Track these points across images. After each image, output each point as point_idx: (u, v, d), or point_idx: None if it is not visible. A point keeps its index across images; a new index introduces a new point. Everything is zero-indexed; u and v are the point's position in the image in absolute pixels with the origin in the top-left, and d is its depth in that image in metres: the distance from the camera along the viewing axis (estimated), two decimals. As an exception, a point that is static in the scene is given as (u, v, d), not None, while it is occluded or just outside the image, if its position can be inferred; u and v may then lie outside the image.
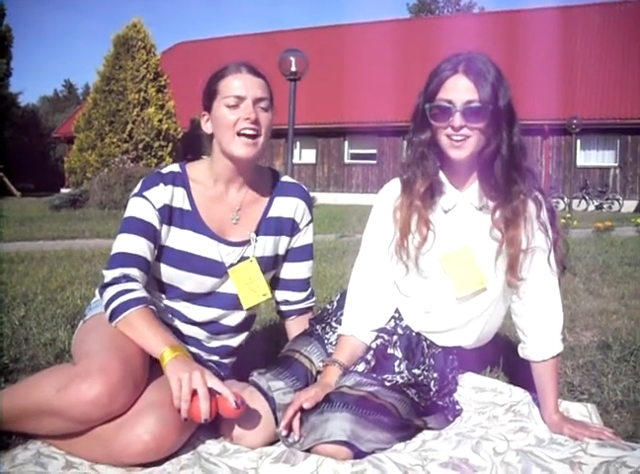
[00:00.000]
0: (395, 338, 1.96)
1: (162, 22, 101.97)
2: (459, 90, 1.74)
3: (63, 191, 19.46)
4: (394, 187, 1.97)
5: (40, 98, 53.08)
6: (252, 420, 1.73)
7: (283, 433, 1.70)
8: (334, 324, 2.03)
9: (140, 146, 17.89)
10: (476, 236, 1.88)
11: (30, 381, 1.68)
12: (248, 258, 1.96)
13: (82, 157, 18.27)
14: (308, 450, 1.67)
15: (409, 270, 1.92)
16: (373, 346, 1.93)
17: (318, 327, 2.05)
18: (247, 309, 1.99)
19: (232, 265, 1.94)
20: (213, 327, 1.98)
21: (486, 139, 1.78)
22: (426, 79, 1.83)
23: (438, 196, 1.89)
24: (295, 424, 1.71)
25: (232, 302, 1.97)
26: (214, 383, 1.58)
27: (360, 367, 1.87)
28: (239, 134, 1.83)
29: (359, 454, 1.64)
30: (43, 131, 36.87)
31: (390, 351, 1.93)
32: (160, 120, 18.28)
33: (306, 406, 1.70)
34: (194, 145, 18.47)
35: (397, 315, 2.01)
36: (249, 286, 1.96)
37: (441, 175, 1.89)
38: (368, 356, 1.90)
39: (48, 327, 2.86)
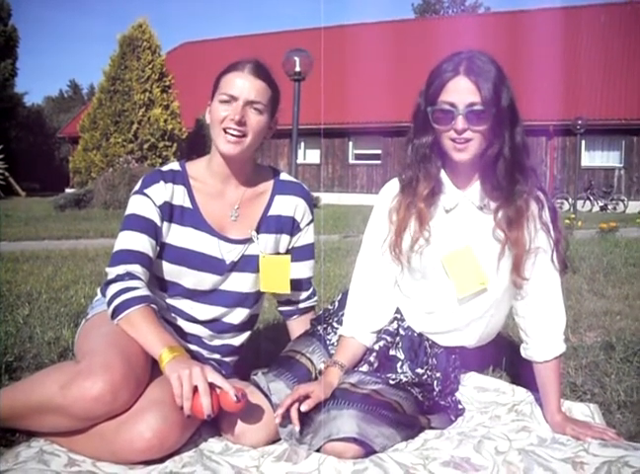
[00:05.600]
0: (397, 339, 1.96)
1: (167, 22, 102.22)
2: (461, 92, 1.71)
3: (68, 190, 19.46)
4: (392, 187, 1.96)
5: (45, 98, 53.14)
6: (253, 418, 1.73)
7: (277, 420, 1.68)
8: (335, 325, 2.03)
9: (145, 146, 17.93)
10: (478, 236, 1.87)
11: (33, 379, 1.68)
12: (250, 256, 1.96)
13: (87, 157, 18.33)
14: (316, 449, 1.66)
15: (403, 268, 1.92)
16: (376, 348, 1.93)
17: (320, 328, 2.04)
18: (263, 291, 2.03)
19: (233, 263, 1.94)
20: (216, 325, 1.98)
21: (489, 140, 1.76)
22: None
23: (438, 195, 1.88)
24: (294, 413, 1.68)
25: (235, 300, 1.98)
26: (214, 378, 1.59)
27: (364, 369, 1.87)
28: (225, 131, 1.84)
29: (367, 452, 1.64)
30: (49, 131, 36.95)
31: (392, 352, 1.93)
32: (165, 121, 18.31)
33: (304, 409, 1.68)
34: (198, 145, 18.50)
35: (399, 316, 2.00)
36: (271, 275, 1.98)
37: (443, 174, 1.88)
38: (371, 358, 1.90)
39: (52, 326, 2.87)
